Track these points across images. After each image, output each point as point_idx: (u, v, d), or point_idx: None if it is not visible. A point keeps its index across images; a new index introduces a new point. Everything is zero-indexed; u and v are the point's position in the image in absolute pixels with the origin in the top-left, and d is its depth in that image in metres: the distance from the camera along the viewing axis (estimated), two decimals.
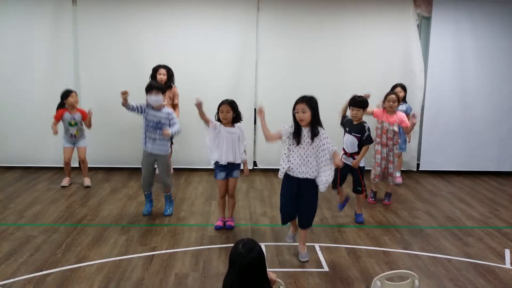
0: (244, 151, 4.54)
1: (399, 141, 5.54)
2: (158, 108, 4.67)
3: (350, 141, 4.71)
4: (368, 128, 4.65)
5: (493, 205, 5.52)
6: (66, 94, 5.65)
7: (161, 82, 5.76)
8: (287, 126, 3.78)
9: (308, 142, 3.68)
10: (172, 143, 5.66)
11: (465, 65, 6.75)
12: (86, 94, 6.55)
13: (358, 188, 4.75)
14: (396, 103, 5.19)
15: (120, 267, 3.66)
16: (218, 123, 4.39)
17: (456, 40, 6.70)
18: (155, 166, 4.87)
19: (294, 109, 3.70)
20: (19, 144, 6.59)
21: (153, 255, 3.89)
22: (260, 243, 2.28)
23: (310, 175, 3.71)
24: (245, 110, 6.60)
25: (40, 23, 6.39)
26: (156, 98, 4.61)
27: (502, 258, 3.99)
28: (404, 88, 6.21)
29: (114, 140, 6.62)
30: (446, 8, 6.64)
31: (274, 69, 6.68)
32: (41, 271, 3.55)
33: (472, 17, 6.66)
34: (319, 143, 3.68)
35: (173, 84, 6.04)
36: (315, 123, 3.66)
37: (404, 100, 6.24)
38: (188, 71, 6.54)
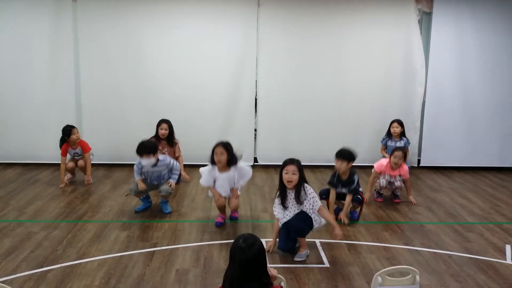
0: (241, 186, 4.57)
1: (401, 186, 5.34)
2: (154, 165, 4.72)
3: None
4: (358, 181, 4.62)
5: (494, 201, 5.52)
6: (68, 131, 5.61)
7: (163, 136, 5.75)
8: (276, 203, 3.83)
9: (294, 203, 3.75)
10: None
11: (466, 60, 6.73)
12: (87, 90, 6.56)
13: (359, 196, 4.69)
14: (402, 160, 5.11)
15: (121, 263, 3.66)
16: (211, 169, 4.39)
17: (457, 35, 6.68)
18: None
19: (282, 169, 3.72)
20: (19, 141, 6.60)
21: (154, 251, 3.90)
22: (261, 239, 2.27)
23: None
24: (246, 105, 6.69)
25: (40, 20, 6.38)
26: (148, 162, 4.64)
27: (503, 254, 3.99)
28: (401, 123, 6.26)
29: (115, 136, 6.63)
30: (447, 3, 6.61)
31: (274, 64, 6.67)
32: (42, 267, 3.56)
33: (473, 12, 6.63)
34: (303, 202, 3.72)
35: (175, 139, 5.90)
36: (301, 185, 3.70)
37: (401, 135, 6.26)
38: (189, 67, 6.55)
